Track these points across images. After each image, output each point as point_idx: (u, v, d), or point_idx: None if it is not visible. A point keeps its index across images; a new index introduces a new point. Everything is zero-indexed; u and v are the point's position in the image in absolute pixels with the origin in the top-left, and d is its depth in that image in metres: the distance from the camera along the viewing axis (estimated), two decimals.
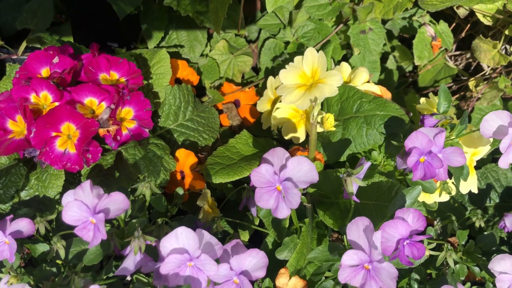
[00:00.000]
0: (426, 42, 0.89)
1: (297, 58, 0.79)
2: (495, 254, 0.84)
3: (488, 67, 0.98)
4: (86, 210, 0.56)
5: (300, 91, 0.76)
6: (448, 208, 0.94)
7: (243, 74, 1.10)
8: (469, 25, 0.98)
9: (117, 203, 0.58)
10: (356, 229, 0.56)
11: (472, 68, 1.10)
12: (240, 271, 0.59)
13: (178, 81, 0.99)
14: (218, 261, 0.60)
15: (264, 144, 0.89)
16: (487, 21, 0.90)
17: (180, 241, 0.56)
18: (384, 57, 1.12)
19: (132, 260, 0.58)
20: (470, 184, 0.78)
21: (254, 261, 0.59)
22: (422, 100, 0.79)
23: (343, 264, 0.54)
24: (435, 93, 1.09)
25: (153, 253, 0.61)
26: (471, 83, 0.97)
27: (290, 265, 0.69)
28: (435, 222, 0.86)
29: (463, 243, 0.79)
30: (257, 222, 0.81)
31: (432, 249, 0.74)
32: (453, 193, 0.77)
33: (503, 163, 0.67)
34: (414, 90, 1.07)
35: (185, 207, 0.84)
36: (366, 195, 0.72)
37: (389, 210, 0.66)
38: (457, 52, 1.10)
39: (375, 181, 0.71)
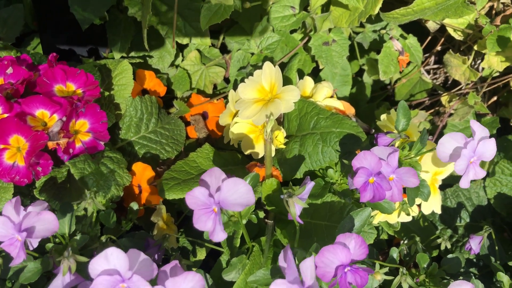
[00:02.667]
0: (393, 56, 0.87)
1: (257, 72, 0.77)
2: (461, 277, 0.81)
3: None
4: (12, 227, 0.55)
5: (257, 106, 0.74)
6: (417, 228, 0.91)
7: (216, 86, 1.08)
8: (443, 39, 0.96)
9: (46, 222, 0.56)
10: (288, 255, 0.53)
11: (449, 82, 1.07)
12: None
13: (145, 92, 0.97)
14: (155, 282, 0.58)
15: (227, 158, 0.87)
16: (458, 36, 0.87)
17: (110, 262, 0.54)
18: (362, 70, 1.10)
19: (60, 281, 0.56)
20: (433, 205, 0.75)
21: (190, 284, 0.57)
22: (383, 116, 0.77)
23: None
24: (411, 107, 1.06)
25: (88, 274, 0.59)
26: (444, 98, 0.94)
27: (237, 287, 0.66)
28: (402, 242, 0.84)
29: (425, 265, 0.76)
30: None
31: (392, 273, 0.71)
32: (414, 213, 0.74)
33: (464, 183, 0.64)
34: (389, 104, 1.05)
35: (141, 223, 0.82)
36: (319, 215, 0.70)
37: (337, 232, 0.63)
38: (435, 66, 1.08)
39: (328, 201, 0.69)
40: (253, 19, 0.87)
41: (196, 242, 0.80)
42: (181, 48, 1.06)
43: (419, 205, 0.77)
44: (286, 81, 0.89)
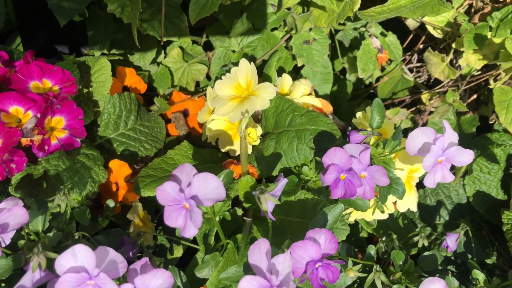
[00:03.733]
0: (372, 54, 0.87)
1: (234, 69, 0.77)
2: (437, 275, 0.81)
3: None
4: None
5: (234, 103, 0.74)
6: (397, 226, 0.91)
7: (199, 83, 1.08)
8: (424, 37, 0.96)
9: (17, 217, 0.56)
10: (258, 251, 0.53)
11: (432, 80, 1.07)
12: None
13: (126, 89, 0.97)
14: (125, 279, 0.58)
15: (206, 155, 0.87)
16: (437, 34, 0.87)
17: (78, 259, 0.54)
18: (345, 68, 1.10)
19: (30, 277, 0.56)
20: (409, 202, 0.75)
21: (159, 281, 0.57)
22: (359, 114, 0.77)
23: None
24: (393, 105, 1.06)
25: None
26: (425, 96, 0.94)
27: (210, 284, 0.66)
28: (380, 240, 0.84)
29: (401, 263, 0.76)
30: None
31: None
32: (389, 211, 0.74)
33: (429, 182, 0.64)
34: (371, 102, 1.05)
35: (118, 220, 0.82)
36: (293, 212, 0.70)
37: (310, 228, 0.63)
38: (418, 64, 1.08)
39: (301, 198, 0.68)
40: (233, 16, 0.86)
41: (173, 239, 0.79)
42: (163, 45, 1.06)
43: (395, 203, 0.77)
44: (266, 78, 0.89)
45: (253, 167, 0.75)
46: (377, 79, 1.05)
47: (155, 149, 0.89)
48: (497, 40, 0.78)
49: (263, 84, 0.74)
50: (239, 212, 0.82)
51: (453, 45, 0.84)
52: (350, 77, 1.09)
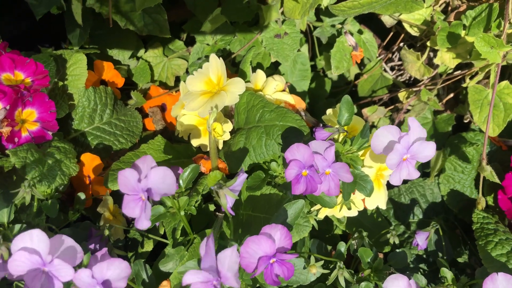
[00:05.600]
0: (346, 51, 0.87)
1: (205, 65, 0.77)
2: (407, 272, 0.81)
3: (424, 78, 0.95)
4: None
5: (204, 98, 0.74)
6: (371, 223, 0.91)
7: (179, 78, 1.08)
8: (403, 35, 0.96)
9: None
10: (204, 245, 0.53)
11: (413, 78, 1.07)
12: (102, 280, 0.57)
13: (103, 83, 0.97)
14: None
15: (181, 150, 0.87)
16: (414, 32, 0.87)
17: (34, 243, 0.54)
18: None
19: None
20: (377, 200, 0.75)
21: (117, 271, 0.57)
22: (329, 111, 0.76)
23: (185, 283, 0.51)
24: (373, 103, 1.06)
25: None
26: (402, 94, 0.94)
27: (173, 278, 0.67)
28: (351, 237, 0.84)
29: (369, 260, 0.76)
30: (162, 231, 0.79)
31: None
32: (357, 208, 0.74)
33: (394, 179, 0.64)
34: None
35: (89, 213, 0.82)
36: (259, 208, 0.70)
37: (273, 222, 0.63)
38: (400, 62, 1.08)
39: (267, 194, 0.69)
40: (208, 10, 0.86)
41: (144, 234, 0.80)
42: (145, 40, 1.06)
43: (364, 200, 0.77)
44: (241, 74, 0.89)
45: (223, 162, 0.75)
46: (357, 77, 1.05)
47: (130, 143, 0.89)
48: (470, 39, 0.78)
49: (233, 79, 0.74)
50: (212, 207, 0.83)
51: (428, 43, 0.84)
52: (332, 75, 1.09)
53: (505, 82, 0.80)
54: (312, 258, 0.66)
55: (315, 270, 0.66)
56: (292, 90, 0.99)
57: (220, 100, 0.72)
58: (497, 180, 0.76)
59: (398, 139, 0.62)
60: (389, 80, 1.00)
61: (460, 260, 0.86)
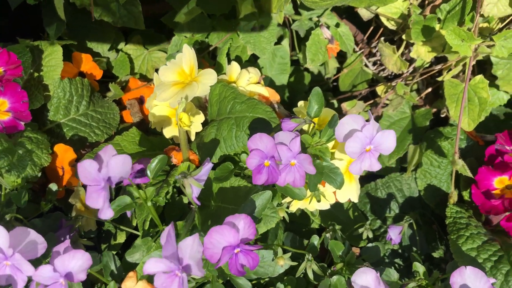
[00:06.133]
0: (321, 44, 0.86)
1: (179, 55, 0.76)
2: (381, 267, 0.81)
3: (402, 72, 0.95)
4: None
5: (175, 89, 0.74)
6: (347, 217, 0.91)
7: None
8: (382, 29, 0.95)
9: None
10: (165, 235, 0.53)
11: (394, 73, 1.06)
12: (66, 273, 0.57)
13: (82, 75, 0.96)
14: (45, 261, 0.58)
15: (156, 142, 0.86)
16: (391, 25, 0.87)
17: None
18: None
19: None
20: (349, 193, 0.75)
21: (79, 262, 0.57)
22: (300, 103, 0.76)
23: (146, 271, 0.51)
24: (354, 97, 1.06)
25: None
26: (380, 89, 0.93)
27: (139, 269, 0.66)
28: (325, 231, 0.84)
29: (340, 254, 0.76)
30: (134, 223, 0.79)
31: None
32: (327, 201, 0.74)
33: (355, 169, 0.64)
34: (331, 94, 1.04)
35: (62, 204, 0.82)
36: (228, 199, 0.69)
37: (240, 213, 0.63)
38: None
39: (235, 185, 0.68)
40: (185, 2, 0.86)
41: (118, 226, 0.79)
42: (127, 32, 1.05)
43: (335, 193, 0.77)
44: (218, 66, 0.89)
45: (194, 154, 0.75)
46: (339, 71, 1.04)
47: (106, 135, 0.89)
48: (444, 33, 0.77)
49: (205, 70, 0.73)
50: (186, 199, 0.82)
51: (403, 37, 0.83)
52: (314, 69, 1.09)
53: (479, 77, 0.79)
54: (280, 250, 0.65)
55: (283, 262, 0.65)
56: (271, 83, 0.99)
57: (190, 91, 0.71)
58: (469, 174, 0.75)
59: (361, 128, 0.61)
60: (369, 75, 1.00)
61: (435, 255, 0.85)
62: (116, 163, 0.55)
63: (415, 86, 1.00)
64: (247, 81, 0.78)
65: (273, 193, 0.74)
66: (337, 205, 0.89)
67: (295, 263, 0.67)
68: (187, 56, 0.74)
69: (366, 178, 0.96)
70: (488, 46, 0.72)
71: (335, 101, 1.05)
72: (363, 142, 0.61)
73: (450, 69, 0.86)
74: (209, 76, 0.72)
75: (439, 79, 0.84)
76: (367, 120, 0.63)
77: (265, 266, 0.68)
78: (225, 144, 0.72)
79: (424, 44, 0.81)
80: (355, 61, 1.00)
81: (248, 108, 0.71)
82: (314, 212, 0.81)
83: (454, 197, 0.78)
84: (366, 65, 1.02)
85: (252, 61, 0.99)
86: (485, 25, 0.78)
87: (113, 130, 0.91)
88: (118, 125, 0.92)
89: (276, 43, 1.02)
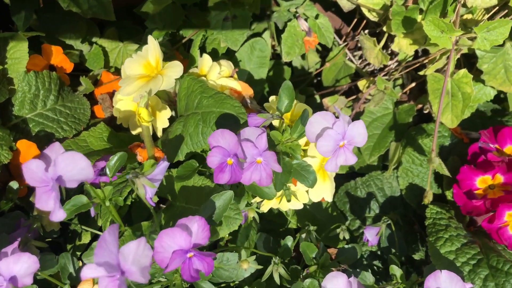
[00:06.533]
0: (298, 37, 0.82)
1: (145, 47, 0.73)
2: (357, 269, 0.78)
3: (384, 66, 0.91)
4: None
5: (140, 83, 0.70)
6: (325, 217, 0.87)
7: None
8: (365, 21, 0.91)
9: None
10: (104, 238, 0.49)
11: (379, 67, 1.02)
12: (10, 277, 0.53)
13: (52, 68, 0.93)
14: None
15: (125, 139, 0.83)
16: (372, 17, 0.83)
17: None
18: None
19: None
20: (323, 192, 0.71)
21: (24, 266, 0.53)
22: (272, 98, 0.72)
23: (84, 277, 0.48)
24: (335, 93, 1.02)
25: None
26: (362, 83, 0.89)
27: None
28: (301, 231, 0.80)
29: (313, 256, 0.73)
30: (99, 223, 0.76)
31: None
32: (297, 201, 0.70)
33: (330, 166, 0.60)
34: (313, 89, 1.01)
35: (23, 203, 0.78)
36: (192, 199, 0.66)
37: (199, 215, 0.59)
38: None
39: (199, 185, 0.65)
40: None
41: (81, 226, 0.76)
42: (103, 24, 1.02)
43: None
44: (191, 59, 0.85)
45: (160, 151, 0.72)
46: (321, 65, 1.00)
47: (74, 131, 0.85)
48: (423, 23, 0.73)
49: (171, 63, 0.70)
50: (155, 199, 0.79)
51: (384, 28, 0.79)
52: (296, 62, 1.05)
53: (463, 71, 0.75)
54: (243, 253, 0.62)
55: (246, 266, 0.62)
56: (249, 78, 0.95)
57: (155, 85, 0.68)
58: (446, 172, 0.71)
59: (332, 125, 0.58)
60: (352, 69, 0.96)
61: (416, 257, 0.82)
62: (64, 161, 0.52)
63: (400, 81, 0.96)
64: (218, 74, 0.75)
65: (241, 192, 0.70)
66: (315, 205, 0.85)
67: (260, 267, 0.63)
68: (152, 47, 0.70)
69: (346, 176, 0.92)
70: (471, 39, 0.67)
71: (317, 97, 1.01)
72: (335, 139, 0.58)
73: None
74: (175, 69, 0.68)
75: (421, 73, 0.80)
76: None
77: (230, 270, 0.64)
78: (191, 141, 0.68)
79: (405, 37, 0.77)
80: (338, 54, 0.96)
81: (215, 103, 0.67)
82: (288, 211, 0.77)
83: (429, 197, 0.74)
84: (350, 59, 0.98)
85: (231, 54, 0.95)
86: (469, 16, 0.74)
87: (83, 126, 0.87)
88: (89, 121, 0.89)
89: (258, 35, 0.98)
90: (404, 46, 0.78)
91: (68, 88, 0.89)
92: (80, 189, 0.78)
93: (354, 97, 0.95)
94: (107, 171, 0.63)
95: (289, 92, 0.66)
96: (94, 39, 1.01)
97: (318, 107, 0.98)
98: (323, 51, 1.06)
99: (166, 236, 0.51)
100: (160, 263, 0.51)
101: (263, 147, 0.59)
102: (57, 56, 0.92)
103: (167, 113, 0.71)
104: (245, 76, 0.94)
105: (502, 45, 0.77)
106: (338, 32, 1.05)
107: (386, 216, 0.80)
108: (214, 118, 0.66)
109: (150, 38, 0.69)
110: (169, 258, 0.51)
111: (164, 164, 0.57)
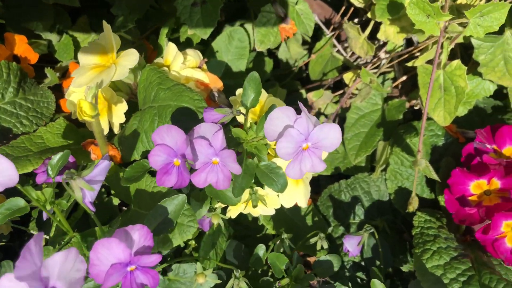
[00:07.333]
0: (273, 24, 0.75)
1: (101, 35, 0.66)
2: (337, 282, 0.70)
3: (370, 57, 0.83)
4: None
5: (93, 73, 0.63)
6: (305, 223, 0.80)
7: None
8: (352, 8, 0.83)
9: None
10: (28, 249, 0.43)
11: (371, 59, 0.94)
12: None
13: (16, 59, 0.87)
14: None
15: (86, 135, 0.76)
16: (358, 3, 0.75)
17: None
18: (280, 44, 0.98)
19: None
20: (295, 197, 0.63)
21: None
22: (239, 91, 0.65)
23: None
24: (322, 86, 0.94)
25: None
26: (347, 76, 0.81)
27: None
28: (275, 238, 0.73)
29: (284, 268, 0.65)
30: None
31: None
32: (272, 206, 0.63)
33: (292, 172, 0.53)
34: (299, 83, 0.93)
35: None
36: (145, 204, 0.59)
37: (147, 222, 0.53)
38: None
39: (151, 189, 0.58)
40: None
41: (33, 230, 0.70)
42: (74, 14, 0.96)
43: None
44: (159, 49, 0.78)
45: (115, 148, 0.65)
46: (309, 58, 0.93)
47: (35, 126, 0.79)
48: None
49: (127, 51, 0.63)
50: (116, 201, 0.72)
51: (368, 15, 0.71)
52: (283, 55, 0.97)
53: (456, 62, 0.67)
54: (199, 265, 0.55)
55: (202, 280, 0.55)
56: (227, 70, 0.88)
57: (107, 75, 0.61)
58: (434, 176, 0.63)
59: (294, 123, 0.50)
60: (339, 61, 0.88)
61: (404, 269, 0.74)
62: None
63: (392, 75, 0.88)
64: (182, 64, 0.68)
65: (203, 197, 0.63)
66: (293, 209, 0.78)
67: (219, 281, 0.56)
68: (108, 35, 0.64)
69: (332, 178, 0.85)
70: (462, 25, 0.59)
71: (303, 91, 0.93)
72: (297, 140, 0.50)
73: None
74: (129, 57, 0.62)
75: (409, 64, 0.72)
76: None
77: (187, 283, 0.57)
78: (147, 137, 0.61)
79: (392, 24, 0.69)
80: (324, 45, 0.88)
81: (172, 95, 0.60)
82: (260, 217, 0.70)
83: (414, 204, 0.66)
84: (338, 51, 0.90)
85: (208, 44, 0.88)
86: (464, 1, 0.65)
87: (46, 120, 0.81)
88: (53, 115, 0.82)
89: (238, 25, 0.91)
90: (391, 35, 0.70)
91: (31, 80, 0.83)
92: None
93: (341, 91, 0.87)
94: (49, 171, 0.57)
95: (255, 84, 0.58)
96: (64, 29, 0.94)
97: (304, 103, 0.91)
98: (312, 43, 0.98)
99: (101, 247, 0.44)
100: (96, 278, 0.45)
101: (220, 146, 0.52)
102: (21, 46, 0.86)
103: (123, 106, 0.65)
104: (222, 68, 0.87)
105: (502, 33, 0.69)
106: (328, 21, 0.97)
107: (371, 223, 0.72)
108: (170, 112, 0.59)
109: (104, 24, 0.63)
110: (103, 271, 0.44)
111: (105, 164, 0.50)
